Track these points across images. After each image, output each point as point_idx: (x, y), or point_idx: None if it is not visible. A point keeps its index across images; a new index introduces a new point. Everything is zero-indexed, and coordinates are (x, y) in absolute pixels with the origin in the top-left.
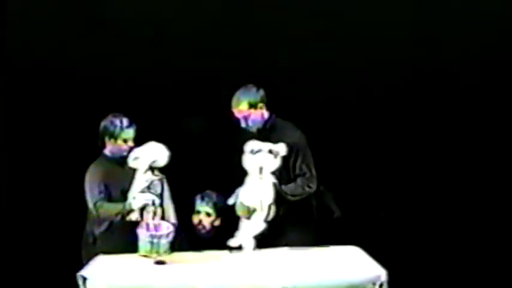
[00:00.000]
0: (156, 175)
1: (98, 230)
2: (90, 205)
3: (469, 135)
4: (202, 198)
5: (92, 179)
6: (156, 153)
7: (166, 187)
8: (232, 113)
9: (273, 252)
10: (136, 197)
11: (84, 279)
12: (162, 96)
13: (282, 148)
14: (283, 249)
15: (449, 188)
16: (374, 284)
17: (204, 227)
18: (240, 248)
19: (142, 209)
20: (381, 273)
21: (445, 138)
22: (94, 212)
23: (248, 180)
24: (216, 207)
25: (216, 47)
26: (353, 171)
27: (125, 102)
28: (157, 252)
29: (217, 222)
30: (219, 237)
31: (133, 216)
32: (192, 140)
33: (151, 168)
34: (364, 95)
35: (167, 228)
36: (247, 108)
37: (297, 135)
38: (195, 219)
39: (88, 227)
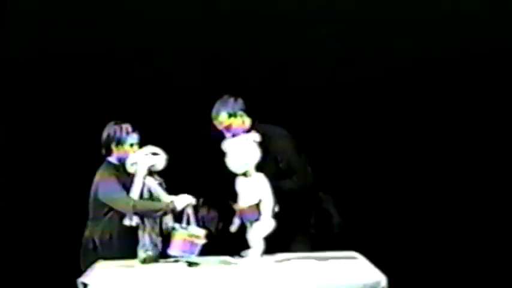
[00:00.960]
0: (156, 179)
1: (99, 238)
2: (122, 203)
3: (468, 135)
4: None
5: (109, 181)
6: (154, 157)
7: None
8: (214, 126)
9: (273, 258)
10: (178, 198)
11: (85, 285)
12: (156, 101)
13: (255, 135)
14: (283, 255)
15: (450, 194)
16: None
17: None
18: (241, 255)
19: (142, 216)
20: (380, 279)
21: (444, 142)
22: (130, 208)
23: (239, 184)
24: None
25: (208, 52)
26: (353, 176)
27: (117, 108)
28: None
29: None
30: (219, 243)
31: (134, 222)
32: (189, 144)
33: (150, 173)
34: (362, 98)
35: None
36: (227, 118)
37: (284, 138)
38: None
39: (88, 234)
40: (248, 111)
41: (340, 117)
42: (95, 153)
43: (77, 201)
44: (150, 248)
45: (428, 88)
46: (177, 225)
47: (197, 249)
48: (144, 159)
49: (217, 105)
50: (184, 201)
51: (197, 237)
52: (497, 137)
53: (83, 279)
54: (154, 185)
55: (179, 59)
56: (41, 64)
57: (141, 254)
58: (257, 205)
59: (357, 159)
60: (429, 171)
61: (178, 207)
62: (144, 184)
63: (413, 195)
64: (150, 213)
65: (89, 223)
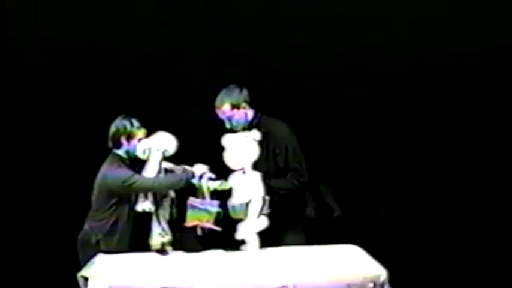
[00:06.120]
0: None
1: (101, 231)
2: (143, 183)
3: (469, 135)
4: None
5: (120, 169)
6: (167, 142)
7: None
8: (216, 114)
9: (273, 250)
10: (195, 167)
11: (86, 279)
12: (156, 95)
13: (256, 134)
14: (283, 247)
15: (450, 187)
16: (374, 283)
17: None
18: (238, 247)
19: (156, 199)
20: (381, 272)
21: (445, 137)
22: (155, 186)
23: (233, 179)
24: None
25: (208, 47)
26: (353, 170)
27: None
28: (209, 216)
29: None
30: (218, 236)
31: (147, 207)
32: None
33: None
34: (364, 93)
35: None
36: (230, 109)
37: (284, 131)
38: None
39: (88, 227)
40: (252, 103)
41: (340, 109)
42: (94, 146)
43: (78, 194)
44: (168, 232)
45: (427, 85)
46: (192, 199)
47: (213, 226)
48: (158, 144)
49: (221, 94)
50: (201, 168)
51: (210, 213)
52: (496, 132)
53: (83, 272)
54: (169, 165)
55: (181, 53)
56: (42, 60)
57: (160, 238)
58: (246, 204)
59: (357, 152)
60: (427, 165)
61: (197, 173)
62: (160, 169)
63: (414, 188)
64: (174, 184)
65: (90, 214)
